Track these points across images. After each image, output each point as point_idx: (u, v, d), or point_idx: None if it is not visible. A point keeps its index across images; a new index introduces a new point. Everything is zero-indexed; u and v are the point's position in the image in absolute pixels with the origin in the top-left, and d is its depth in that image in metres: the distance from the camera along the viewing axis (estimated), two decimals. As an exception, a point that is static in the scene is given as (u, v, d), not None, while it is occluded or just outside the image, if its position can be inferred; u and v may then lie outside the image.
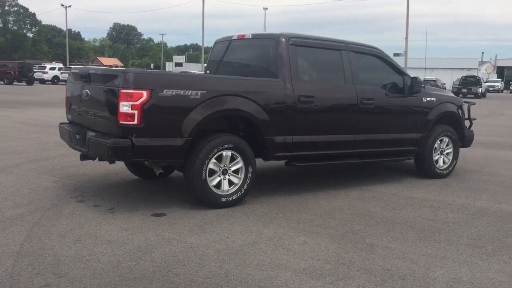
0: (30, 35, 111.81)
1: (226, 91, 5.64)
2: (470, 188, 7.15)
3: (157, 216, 5.36)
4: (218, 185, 5.68)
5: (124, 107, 5.05)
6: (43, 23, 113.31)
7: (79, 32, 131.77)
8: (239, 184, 5.79)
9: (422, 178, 7.69)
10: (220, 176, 5.68)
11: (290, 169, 7.53)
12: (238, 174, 5.80)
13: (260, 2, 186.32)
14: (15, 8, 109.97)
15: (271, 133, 5.95)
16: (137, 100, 5.06)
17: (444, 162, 7.87)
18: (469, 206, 6.16)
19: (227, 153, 5.67)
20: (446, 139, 7.79)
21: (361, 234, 4.97)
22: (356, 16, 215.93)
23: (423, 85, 7.46)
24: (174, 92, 5.26)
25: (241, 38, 6.85)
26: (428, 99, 7.47)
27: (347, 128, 6.63)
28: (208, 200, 5.60)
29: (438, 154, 7.77)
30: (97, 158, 5.70)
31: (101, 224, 5.02)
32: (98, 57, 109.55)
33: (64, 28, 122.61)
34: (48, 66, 51.38)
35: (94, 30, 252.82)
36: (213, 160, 5.58)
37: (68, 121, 6.46)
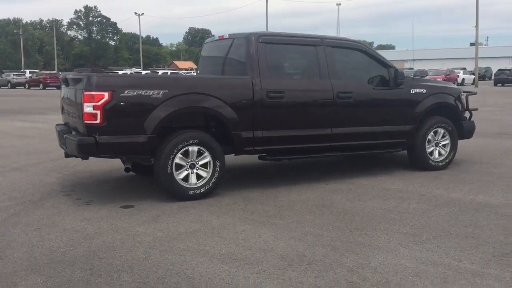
0: (112, 43, 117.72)
1: (188, 89, 5.98)
2: (459, 180, 7.01)
3: (125, 207, 5.78)
4: (186, 179, 6.02)
5: (88, 107, 5.53)
6: (123, 31, 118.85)
7: (157, 38, 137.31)
8: (208, 178, 6.09)
9: (417, 171, 7.60)
10: (187, 170, 6.02)
11: (276, 164, 7.72)
12: (206, 168, 6.10)
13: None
14: (98, 19, 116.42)
15: (239, 128, 6.21)
16: (98, 101, 5.52)
17: (440, 154, 7.73)
18: (440, 197, 6.10)
19: (193, 148, 5.99)
20: (441, 131, 7.65)
21: (305, 223, 5.12)
22: (433, 6, 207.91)
23: (414, 77, 7.38)
24: (135, 92, 5.66)
25: (221, 38, 7.17)
26: (417, 90, 7.39)
27: (323, 122, 6.74)
28: (175, 193, 5.95)
29: (432, 146, 7.65)
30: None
31: (70, 215, 5.51)
32: (174, 61, 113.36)
33: (144, 35, 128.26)
34: (120, 72, 53.98)
35: (171, 36, 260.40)
36: (179, 155, 5.93)
37: (63, 123, 7.05)
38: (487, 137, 11.25)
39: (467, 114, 8.16)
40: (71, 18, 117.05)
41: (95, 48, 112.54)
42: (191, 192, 6.00)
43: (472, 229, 4.90)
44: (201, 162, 6.08)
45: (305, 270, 3.93)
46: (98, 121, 5.54)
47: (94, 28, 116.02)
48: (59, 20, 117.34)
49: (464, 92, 8.21)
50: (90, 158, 6.17)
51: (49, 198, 6.24)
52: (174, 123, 6.02)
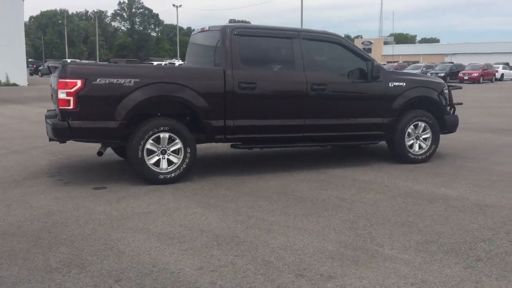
0: (154, 34, 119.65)
1: (160, 79, 6.30)
2: (432, 173, 7.09)
3: (97, 189, 6.16)
4: (157, 164, 6.35)
5: (62, 94, 5.92)
6: (165, 22, 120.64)
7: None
8: (178, 163, 6.41)
9: (396, 163, 7.70)
10: (158, 156, 6.35)
11: (256, 152, 7.96)
12: (177, 154, 6.42)
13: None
14: (141, 10, 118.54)
15: (210, 117, 6.49)
16: (71, 88, 5.90)
17: (420, 147, 7.80)
18: (402, 189, 6.22)
19: (164, 135, 6.32)
20: (422, 124, 7.72)
21: (255, 208, 5.37)
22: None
23: (394, 70, 7.46)
24: (107, 81, 6.02)
25: (203, 31, 7.45)
26: (396, 84, 7.48)
27: (296, 113, 6.93)
28: (146, 177, 6.30)
29: (413, 139, 7.73)
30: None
31: (43, 194, 5.93)
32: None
33: (185, 27, 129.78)
34: (155, 63, 54.84)
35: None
36: (150, 141, 6.26)
37: (53, 109, 7.49)
38: (490, 133, 11.16)
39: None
40: (115, 10, 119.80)
41: (137, 39, 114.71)
42: (161, 176, 6.32)
43: (413, 219, 5.04)
44: (172, 148, 6.40)
45: (230, 249, 4.19)
46: (71, 107, 5.93)
47: (137, 20, 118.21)
48: (103, 11, 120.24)
49: (449, 86, 8.22)
50: (90, 144, 6.48)
51: (32, 179, 6.69)
52: (148, 110, 6.34)
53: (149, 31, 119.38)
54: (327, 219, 5.01)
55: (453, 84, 8.86)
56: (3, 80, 33.49)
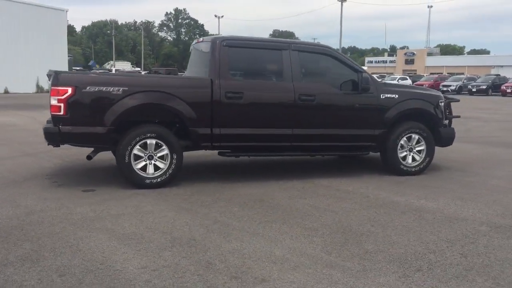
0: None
1: (148, 87, 6.58)
2: (421, 185, 7.07)
3: (85, 191, 6.48)
4: (144, 168, 6.61)
5: (53, 100, 6.29)
6: (209, 32, 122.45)
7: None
8: (165, 169, 6.65)
9: (388, 175, 7.71)
10: (145, 161, 6.61)
11: (253, 160, 8.12)
12: (164, 160, 6.67)
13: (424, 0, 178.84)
14: (187, 21, 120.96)
15: (196, 125, 6.72)
16: (63, 95, 6.25)
17: (414, 159, 7.78)
18: (380, 200, 6.25)
19: (151, 141, 6.58)
20: (415, 136, 7.70)
21: (226, 214, 5.53)
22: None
23: (386, 82, 7.51)
24: (96, 89, 6.34)
25: (199, 42, 7.70)
26: (388, 95, 7.51)
27: (284, 123, 7.06)
28: (133, 181, 6.57)
29: (406, 151, 7.72)
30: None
31: (34, 194, 6.28)
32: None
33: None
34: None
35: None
36: (138, 146, 6.53)
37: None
38: (504, 147, 10.95)
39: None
40: (162, 20, 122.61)
41: (182, 49, 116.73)
42: (147, 181, 6.58)
43: (375, 228, 5.09)
44: (159, 154, 6.65)
45: (181, 251, 4.37)
46: (61, 112, 6.28)
47: (183, 30, 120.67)
48: (151, 22, 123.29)
49: (447, 99, 8.17)
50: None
51: (31, 180, 7.07)
52: (136, 117, 6.62)
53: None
54: (290, 226, 5.12)
55: (451, 97, 8.77)
56: (46, 87, 34.91)
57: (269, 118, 7.04)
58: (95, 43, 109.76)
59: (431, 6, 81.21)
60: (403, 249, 4.52)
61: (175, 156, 6.67)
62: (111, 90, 6.38)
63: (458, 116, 8.37)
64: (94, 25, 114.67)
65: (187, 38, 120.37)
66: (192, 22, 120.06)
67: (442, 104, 7.91)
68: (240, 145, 7.04)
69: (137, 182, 6.57)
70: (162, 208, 5.73)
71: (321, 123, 7.25)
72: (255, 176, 7.54)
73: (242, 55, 7.11)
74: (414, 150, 7.77)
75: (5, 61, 30.60)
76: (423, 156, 7.78)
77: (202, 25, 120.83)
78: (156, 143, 6.61)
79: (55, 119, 6.33)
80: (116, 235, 4.79)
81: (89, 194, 6.33)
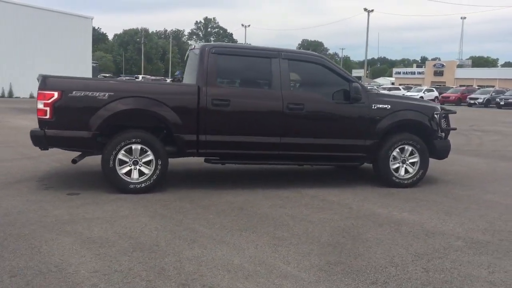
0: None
1: (134, 93, 6.63)
2: (409, 198, 6.93)
3: (70, 194, 6.54)
4: (129, 173, 6.65)
5: (40, 104, 6.39)
6: (238, 41, 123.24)
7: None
8: (149, 175, 6.68)
9: (381, 186, 7.57)
10: (130, 166, 6.65)
11: (245, 168, 8.08)
12: (149, 166, 6.70)
13: (457, 11, 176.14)
14: (216, 30, 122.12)
15: (182, 131, 6.73)
16: (49, 99, 6.36)
17: (407, 171, 7.63)
18: (362, 211, 6.15)
19: (136, 147, 6.62)
20: (408, 148, 7.56)
21: (199, 221, 5.51)
22: None
23: (379, 91, 7.41)
24: (82, 93, 6.42)
25: (193, 49, 7.74)
26: (380, 106, 7.40)
27: (271, 131, 7.02)
28: (117, 185, 6.62)
29: (398, 163, 7.58)
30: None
31: (20, 196, 6.37)
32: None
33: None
34: None
35: (285, 47, 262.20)
36: (122, 151, 6.57)
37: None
38: (510, 161, 10.66)
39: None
40: (191, 29, 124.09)
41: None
42: (131, 186, 6.62)
43: (345, 240, 5.01)
44: (144, 160, 6.68)
45: (140, 257, 4.37)
46: (47, 116, 6.38)
47: (212, 39, 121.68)
48: (181, 30, 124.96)
49: (445, 111, 8.00)
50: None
51: (22, 182, 7.18)
52: (122, 122, 6.67)
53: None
54: (259, 235, 5.07)
55: (448, 109, 8.60)
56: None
57: (256, 126, 7.01)
58: (126, 50, 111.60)
59: (465, 18, 79.46)
60: (365, 261, 4.42)
61: (160, 162, 6.69)
62: (97, 95, 6.45)
63: (454, 129, 8.18)
64: (126, 33, 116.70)
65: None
66: (221, 31, 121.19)
67: (438, 116, 7.73)
68: (226, 152, 7.02)
69: (121, 187, 6.61)
70: (138, 213, 5.74)
71: (310, 132, 7.18)
72: (243, 183, 7.50)
73: (230, 62, 7.11)
74: (407, 162, 7.62)
75: (33, 67, 31.35)
76: (417, 168, 7.62)
77: (231, 34, 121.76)
78: (141, 149, 6.64)
79: (41, 123, 6.43)
80: (82, 238, 4.81)
81: (72, 198, 6.40)
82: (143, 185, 6.66)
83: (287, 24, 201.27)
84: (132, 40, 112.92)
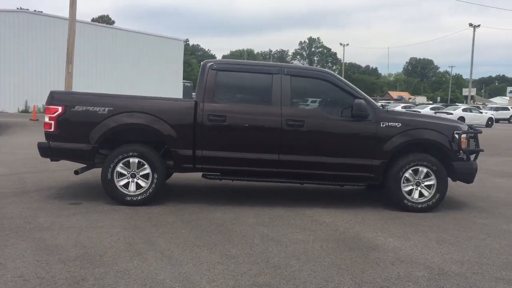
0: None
1: (132, 109, 6.84)
2: (411, 223, 6.45)
3: (72, 204, 6.88)
4: (127, 186, 6.86)
5: (46, 118, 6.82)
6: (341, 60, 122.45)
7: (376, 67, 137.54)
8: (146, 188, 6.84)
9: (392, 210, 7.11)
10: (128, 179, 6.85)
11: (241, 185, 7.98)
12: (146, 179, 6.86)
13: None
14: (320, 49, 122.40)
15: (178, 146, 6.83)
16: (54, 113, 6.76)
17: (422, 195, 7.09)
18: (347, 233, 5.83)
19: (134, 160, 6.82)
20: (423, 169, 7.03)
21: (166, 235, 5.52)
22: None
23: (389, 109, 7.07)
24: (84, 108, 6.76)
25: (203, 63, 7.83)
26: (389, 124, 6.98)
27: (269, 148, 6.89)
28: (114, 197, 6.84)
29: (412, 185, 7.08)
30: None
31: (25, 203, 6.79)
32: (389, 91, 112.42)
33: (363, 65, 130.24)
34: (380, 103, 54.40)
35: (392, 65, 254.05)
36: (121, 164, 6.80)
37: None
38: None
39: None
40: (295, 49, 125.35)
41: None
42: (128, 198, 6.81)
43: (295, 263, 4.76)
44: (142, 173, 6.85)
45: (73, 266, 4.45)
46: (52, 129, 6.78)
47: (315, 58, 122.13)
48: (285, 50, 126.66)
49: (473, 130, 7.37)
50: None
51: (28, 192, 7.51)
52: (121, 136, 6.90)
53: (326, 69, 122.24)
54: (212, 252, 4.98)
55: (474, 128, 7.89)
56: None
57: (253, 142, 6.91)
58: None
59: None
60: (295, 285, 4.17)
61: (156, 176, 6.82)
62: (97, 110, 6.75)
63: (481, 150, 7.48)
64: (232, 54, 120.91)
65: (319, 66, 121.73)
66: (325, 51, 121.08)
67: (458, 136, 7.11)
68: (223, 168, 6.99)
69: (118, 199, 6.82)
70: (114, 224, 5.88)
71: (310, 149, 6.94)
72: (242, 200, 7.42)
73: (230, 79, 7.11)
74: (422, 185, 7.08)
75: (131, 87, 33.57)
76: (433, 191, 7.06)
77: (335, 54, 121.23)
78: (139, 162, 6.82)
79: (47, 135, 6.84)
80: (40, 245, 5.01)
81: (71, 207, 6.71)
82: (139, 197, 6.82)
83: (396, 42, 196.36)
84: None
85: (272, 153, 6.90)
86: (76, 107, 6.77)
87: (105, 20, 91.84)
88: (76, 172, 7.19)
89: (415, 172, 7.05)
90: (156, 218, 6.24)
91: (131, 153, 6.79)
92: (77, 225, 5.82)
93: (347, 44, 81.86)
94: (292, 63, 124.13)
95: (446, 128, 7.17)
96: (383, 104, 49.65)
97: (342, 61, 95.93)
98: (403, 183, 7.04)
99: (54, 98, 6.87)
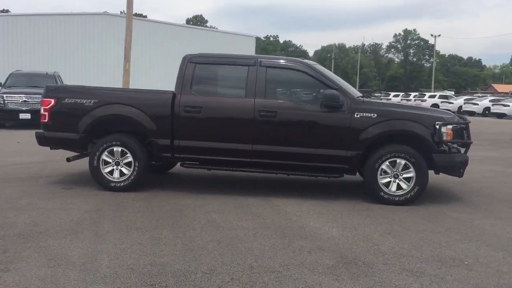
0: (428, 65, 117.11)
1: (115, 100, 7.31)
2: (380, 216, 6.30)
3: (64, 188, 7.49)
4: (112, 173, 7.35)
5: (42, 110, 7.49)
6: (441, 53, 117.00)
7: (479, 59, 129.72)
8: (128, 175, 7.30)
9: (373, 202, 6.97)
10: (113, 166, 7.34)
11: (232, 176, 8.17)
12: (129, 167, 7.31)
13: None
14: (416, 42, 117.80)
15: (157, 136, 7.21)
16: (47, 105, 7.42)
17: (400, 187, 6.90)
18: (289, 222, 5.86)
19: (117, 149, 7.29)
20: (401, 161, 6.84)
21: (123, 216, 5.90)
22: None
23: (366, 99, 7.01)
24: (73, 100, 7.34)
25: (185, 58, 8.07)
26: (364, 114, 6.86)
27: (243, 138, 7.05)
28: (100, 183, 7.37)
29: (389, 177, 6.91)
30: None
31: (23, 187, 7.49)
32: (492, 84, 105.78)
33: (465, 57, 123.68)
34: (428, 94, 51.79)
35: (498, 56, 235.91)
36: (106, 153, 7.30)
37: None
38: None
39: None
40: (390, 42, 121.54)
41: (409, 70, 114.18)
42: (112, 184, 7.30)
43: (211, 245, 4.91)
44: (125, 161, 7.31)
45: (11, 240, 4.95)
46: (46, 120, 7.44)
47: (411, 51, 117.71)
48: (379, 44, 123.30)
49: (461, 121, 7.03)
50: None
51: (37, 178, 8.23)
52: (106, 126, 7.41)
53: (422, 62, 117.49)
54: (142, 234, 5.23)
55: (464, 118, 7.41)
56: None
57: (227, 132, 7.10)
58: (324, 66, 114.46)
59: None
60: (195, 266, 4.35)
61: (137, 164, 7.24)
62: (84, 102, 7.29)
63: (470, 142, 7.09)
64: (324, 49, 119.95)
65: (415, 59, 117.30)
66: (422, 43, 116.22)
67: (439, 126, 6.80)
68: (199, 157, 7.25)
69: (103, 185, 7.33)
70: (81, 207, 6.31)
71: (282, 140, 7.00)
72: (224, 189, 7.59)
73: (207, 71, 7.34)
74: (400, 177, 6.88)
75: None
76: (412, 184, 6.84)
77: (433, 45, 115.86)
78: (122, 151, 7.27)
79: (42, 126, 7.51)
80: (4, 222, 5.56)
81: (62, 191, 7.31)
82: (122, 184, 7.27)
83: (504, 31, 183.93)
84: (328, 56, 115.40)
85: (245, 143, 7.04)
86: (66, 99, 7.35)
87: (198, 20, 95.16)
88: (68, 160, 7.79)
89: (393, 164, 6.87)
90: (125, 203, 6.63)
91: (114, 142, 7.26)
92: (49, 206, 6.36)
93: (439, 35, 78.09)
94: (386, 56, 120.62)
95: (425, 119, 6.90)
96: (375, 95, 45.65)
97: (434, 53, 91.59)
98: (380, 175, 6.89)
99: (48, 91, 7.51)
